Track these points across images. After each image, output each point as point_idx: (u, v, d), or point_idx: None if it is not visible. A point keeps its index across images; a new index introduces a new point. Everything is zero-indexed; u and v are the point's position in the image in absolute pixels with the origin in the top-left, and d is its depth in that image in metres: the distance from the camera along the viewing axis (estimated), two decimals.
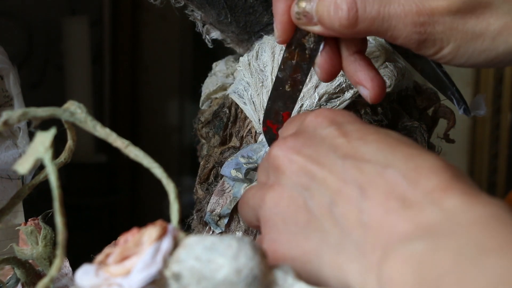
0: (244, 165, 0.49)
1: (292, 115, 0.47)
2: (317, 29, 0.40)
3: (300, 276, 0.31)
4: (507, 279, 0.25)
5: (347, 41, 0.42)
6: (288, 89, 0.44)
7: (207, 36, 0.55)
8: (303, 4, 0.40)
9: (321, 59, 0.42)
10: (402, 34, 0.38)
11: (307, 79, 0.49)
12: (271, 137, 0.46)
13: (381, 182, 0.31)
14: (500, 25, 0.38)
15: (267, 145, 0.49)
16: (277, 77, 0.44)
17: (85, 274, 0.29)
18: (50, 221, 0.45)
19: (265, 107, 0.46)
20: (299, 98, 0.48)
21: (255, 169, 0.49)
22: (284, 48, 0.44)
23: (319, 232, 0.33)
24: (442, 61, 0.40)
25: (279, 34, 0.42)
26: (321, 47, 0.42)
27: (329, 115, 0.37)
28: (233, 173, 0.49)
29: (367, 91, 0.42)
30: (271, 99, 0.45)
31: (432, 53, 0.39)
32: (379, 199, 0.31)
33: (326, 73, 0.42)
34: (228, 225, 0.50)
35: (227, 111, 0.53)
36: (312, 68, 0.43)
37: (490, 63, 0.39)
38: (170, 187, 0.32)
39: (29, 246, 0.46)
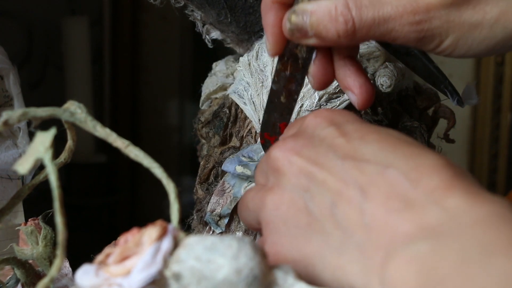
0: (251, 163, 0.48)
1: (292, 117, 0.47)
2: (312, 41, 0.39)
3: (302, 278, 0.31)
4: (510, 277, 0.25)
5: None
6: (284, 100, 0.43)
7: (207, 36, 0.55)
8: (295, 20, 0.39)
9: (314, 68, 0.41)
10: (400, 35, 0.38)
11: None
12: None
13: (382, 182, 0.31)
14: (497, 12, 0.37)
15: None
16: (271, 89, 0.43)
17: (85, 274, 0.29)
18: (50, 221, 0.45)
19: (261, 120, 0.46)
20: (299, 98, 0.48)
21: None
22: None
23: (320, 234, 0.33)
24: (443, 54, 0.40)
25: (271, 47, 0.41)
26: (314, 55, 0.41)
27: (328, 115, 0.37)
28: (239, 169, 0.49)
29: (355, 97, 0.41)
30: (267, 112, 0.44)
31: (433, 47, 0.39)
32: (381, 199, 0.31)
33: (319, 82, 0.42)
34: (228, 225, 0.50)
35: (227, 111, 0.53)
36: (306, 77, 0.43)
37: (491, 51, 0.39)
38: (170, 187, 0.32)
39: (29, 246, 0.46)
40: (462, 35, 0.38)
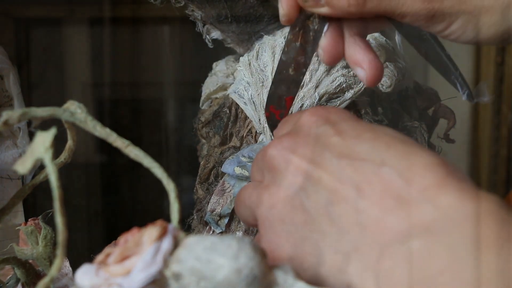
0: (249, 164, 0.48)
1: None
2: (324, 10, 0.40)
3: (299, 276, 0.31)
4: (500, 274, 0.26)
5: (349, 22, 0.42)
6: (292, 73, 0.43)
7: (207, 36, 0.55)
8: None
9: (325, 40, 0.42)
10: (410, 11, 0.38)
11: (308, 79, 0.49)
12: (274, 124, 0.45)
13: (377, 180, 0.31)
14: None
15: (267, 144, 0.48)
16: (280, 60, 0.44)
17: (85, 274, 0.29)
18: (50, 221, 0.45)
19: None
20: (299, 98, 0.48)
21: None
22: (287, 35, 0.43)
23: (316, 232, 0.33)
24: (451, 37, 0.40)
25: (284, 13, 0.42)
26: (325, 28, 0.42)
27: (324, 114, 0.37)
28: (237, 170, 0.49)
29: (364, 72, 0.42)
30: (274, 83, 0.45)
31: (441, 29, 0.39)
32: (375, 198, 0.31)
33: (329, 56, 0.42)
34: (228, 225, 0.50)
35: (228, 111, 0.53)
36: (315, 51, 0.43)
37: (499, 38, 0.39)
38: (170, 187, 0.32)
39: (29, 246, 0.46)
40: (472, 18, 0.38)
